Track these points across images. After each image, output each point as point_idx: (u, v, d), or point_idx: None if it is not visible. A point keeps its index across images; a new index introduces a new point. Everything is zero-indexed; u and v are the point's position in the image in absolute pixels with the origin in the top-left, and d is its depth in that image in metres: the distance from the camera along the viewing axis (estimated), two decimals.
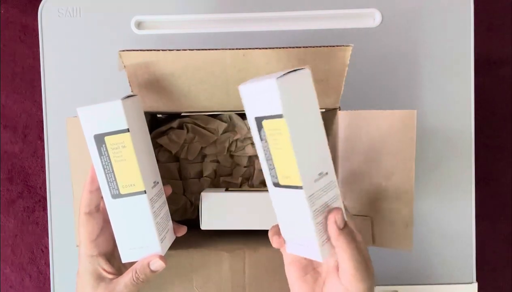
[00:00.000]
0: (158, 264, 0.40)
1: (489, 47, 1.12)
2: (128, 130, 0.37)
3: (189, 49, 0.43)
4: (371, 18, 0.61)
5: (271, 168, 0.35)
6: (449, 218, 0.61)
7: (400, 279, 0.61)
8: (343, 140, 0.45)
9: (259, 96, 0.33)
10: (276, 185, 0.35)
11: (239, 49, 0.43)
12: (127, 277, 0.39)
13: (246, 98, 0.35)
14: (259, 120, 0.34)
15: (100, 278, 0.39)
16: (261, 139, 0.34)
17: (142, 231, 0.39)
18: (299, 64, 0.44)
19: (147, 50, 0.43)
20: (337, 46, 0.43)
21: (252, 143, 0.53)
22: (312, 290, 0.38)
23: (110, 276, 0.40)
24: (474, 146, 0.61)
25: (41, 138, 1.14)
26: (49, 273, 0.62)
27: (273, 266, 0.46)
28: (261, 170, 0.54)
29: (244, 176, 0.54)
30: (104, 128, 0.37)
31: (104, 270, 0.40)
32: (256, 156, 0.54)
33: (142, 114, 0.42)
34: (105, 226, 0.40)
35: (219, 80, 0.44)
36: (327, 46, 0.43)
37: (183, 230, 0.45)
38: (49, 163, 0.61)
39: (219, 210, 0.45)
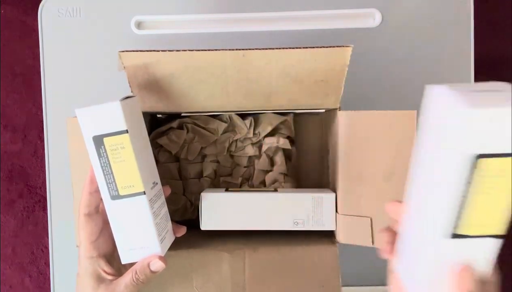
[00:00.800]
0: (158, 265, 0.40)
1: (489, 47, 1.12)
2: (127, 131, 0.37)
3: (189, 50, 0.43)
4: (371, 18, 0.61)
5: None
6: None
7: None
8: (343, 140, 0.45)
9: None
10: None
11: (239, 49, 0.43)
12: (127, 277, 0.39)
13: None
14: None
15: (100, 279, 0.39)
16: None
17: (142, 231, 0.39)
18: (299, 64, 0.44)
19: (147, 50, 0.43)
20: (337, 46, 0.43)
21: (252, 144, 0.53)
22: None
23: (110, 277, 0.40)
24: None
25: (41, 138, 1.14)
26: (49, 273, 0.62)
27: (273, 266, 0.46)
28: (261, 170, 0.54)
29: (244, 176, 0.54)
30: (103, 129, 0.37)
31: (104, 271, 0.40)
32: (256, 156, 0.54)
33: (140, 115, 0.42)
34: (105, 227, 0.40)
35: (219, 80, 0.44)
36: (327, 46, 0.43)
37: (182, 230, 0.45)
38: (49, 163, 0.61)
39: (219, 210, 0.45)
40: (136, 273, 0.39)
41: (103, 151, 0.37)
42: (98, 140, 0.37)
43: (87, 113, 0.37)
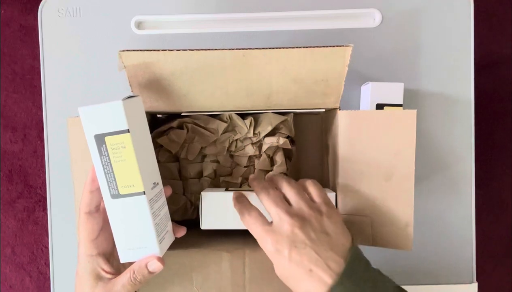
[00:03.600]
0: (155, 265, 0.40)
1: (489, 47, 1.12)
2: (128, 131, 0.37)
3: (189, 49, 0.43)
4: (371, 18, 0.61)
5: None
6: (449, 218, 0.61)
7: (400, 279, 0.61)
8: (343, 140, 0.45)
9: None
10: None
11: (239, 49, 0.43)
12: (125, 277, 0.39)
13: None
14: None
15: (98, 278, 0.39)
16: None
17: (141, 231, 0.39)
18: (299, 64, 0.44)
19: (147, 50, 0.43)
20: (337, 46, 0.43)
21: (252, 143, 0.53)
22: None
23: (109, 276, 0.40)
24: (474, 146, 0.61)
25: (41, 138, 1.14)
26: (49, 273, 0.62)
27: (273, 266, 0.46)
28: (261, 170, 0.54)
29: (244, 176, 0.54)
30: (104, 128, 0.37)
31: (103, 269, 0.40)
32: (256, 156, 0.54)
33: (143, 115, 0.41)
34: (105, 226, 0.40)
35: (219, 80, 0.44)
36: (327, 46, 0.43)
37: (182, 231, 0.45)
38: (49, 163, 0.61)
39: (219, 210, 0.45)
40: (133, 272, 0.39)
41: (104, 150, 0.37)
42: (100, 139, 0.37)
43: (90, 112, 0.37)
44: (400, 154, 0.43)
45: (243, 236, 0.49)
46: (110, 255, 0.41)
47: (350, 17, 0.61)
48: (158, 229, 0.40)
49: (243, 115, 0.53)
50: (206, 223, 0.45)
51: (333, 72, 0.44)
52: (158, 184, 0.42)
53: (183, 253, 0.46)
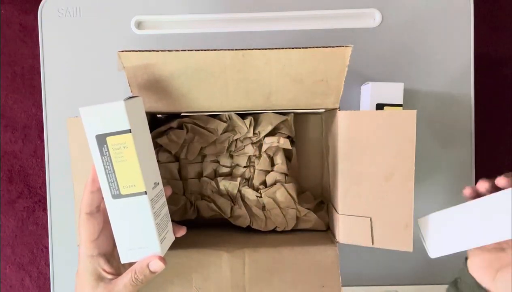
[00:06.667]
0: (157, 265, 0.40)
1: (489, 47, 1.12)
2: (130, 131, 0.37)
3: (189, 50, 0.43)
4: (371, 18, 0.61)
5: None
6: None
7: (400, 279, 0.61)
8: (343, 141, 0.45)
9: None
10: None
11: (239, 49, 0.43)
12: (126, 277, 0.39)
13: None
14: None
15: (99, 278, 0.39)
16: None
17: (142, 231, 0.39)
18: (298, 64, 0.44)
19: (146, 51, 0.43)
20: (337, 46, 0.43)
21: (252, 143, 0.53)
22: None
23: (110, 276, 0.40)
24: (474, 146, 0.61)
25: (41, 138, 1.14)
26: (49, 273, 0.62)
27: (273, 266, 0.46)
28: (261, 170, 0.53)
29: (244, 176, 0.54)
30: (106, 128, 0.37)
31: (104, 270, 0.40)
32: (256, 156, 0.54)
33: (144, 116, 0.42)
34: (106, 226, 0.40)
35: (219, 80, 0.44)
36: (327, 46, 0.43)
37: (182, 231, 0.45)
38: (49, 163, 0.61)
39: (445, 231, 0.42)
40: (135, 273, 0.39)
41: (106, 150, 0.37)
42: (101, 139, 0.37)
43: (91, 112, 0.37)
44: (400, 154, 0.43)
45: (243, 236, 0.49)
46: (110, 255, 0.41)
47: (350, 17, 0.61)
48: (159, 229, 0.40)
49: (243, 115, 0.53)
50: (434, 251, 0.42)
51: (333, 72, 0.44)
52: (158, 183, 0.42)
53: (183, 253, 0.46)
